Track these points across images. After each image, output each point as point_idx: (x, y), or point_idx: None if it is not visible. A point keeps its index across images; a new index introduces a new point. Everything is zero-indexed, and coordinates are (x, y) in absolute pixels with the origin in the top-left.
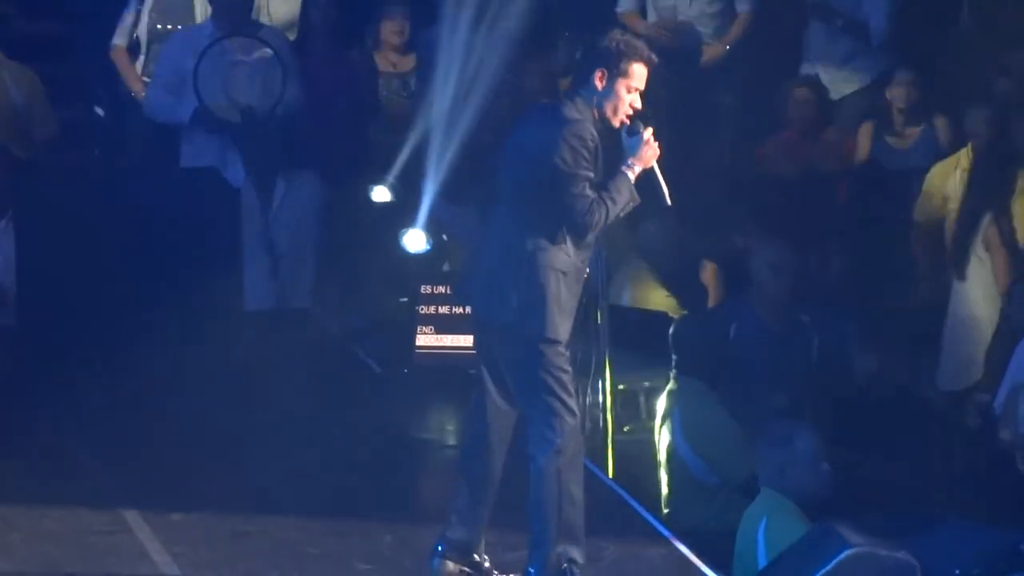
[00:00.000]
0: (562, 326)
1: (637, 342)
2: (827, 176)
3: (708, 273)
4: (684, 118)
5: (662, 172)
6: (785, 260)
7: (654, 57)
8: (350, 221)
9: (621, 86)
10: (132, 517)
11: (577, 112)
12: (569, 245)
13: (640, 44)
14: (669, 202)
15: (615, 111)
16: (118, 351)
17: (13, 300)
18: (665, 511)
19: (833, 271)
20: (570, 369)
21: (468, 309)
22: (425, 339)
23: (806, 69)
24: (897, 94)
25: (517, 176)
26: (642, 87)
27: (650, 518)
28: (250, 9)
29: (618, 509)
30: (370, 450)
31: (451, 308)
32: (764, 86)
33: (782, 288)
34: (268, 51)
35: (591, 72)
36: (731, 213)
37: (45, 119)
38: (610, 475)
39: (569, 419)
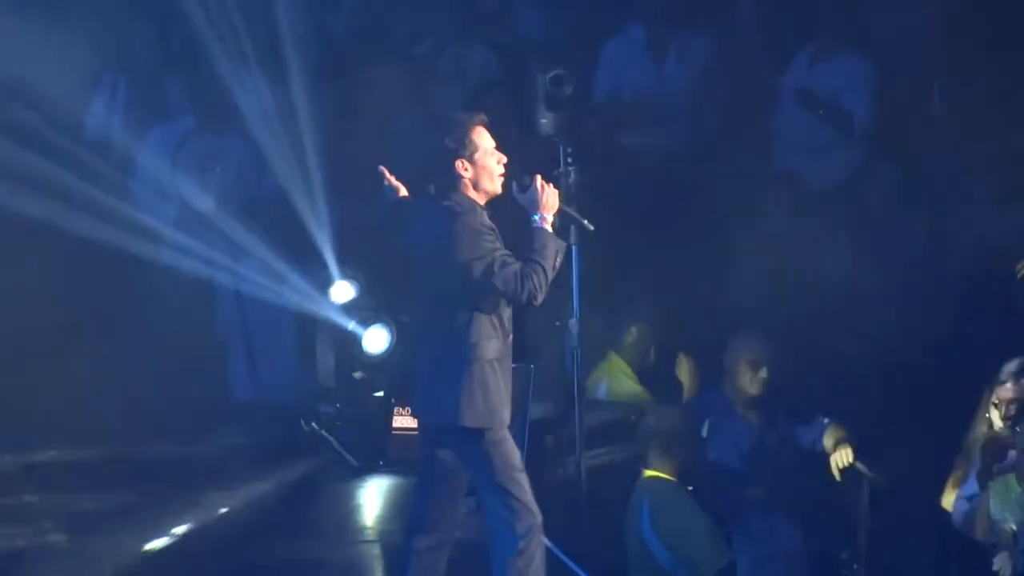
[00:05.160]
0: (501, 412)
1: (612, 435)
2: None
3: (683, 367)
4: (657, 211)
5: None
6: (762, 355)
7: (482, 115)
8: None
9: (481, 159)
10: None
11: (460, 206)
12: (497, 331)
13: (460, 115)
14: (592, 227)
15: (492, 180)
16: (97, 442)
17: None
18: None
19: (810, 364)
20: (522, 466)
21: None
22: (401, 420)
23: (783, 159)
24: (875, 188)
25: (427, 280)
26: (494, 143)
27: None
28: (228, 104)
29: None
30: (347, 547)
31: None
32: (738, 176)
33: (759, 383)
34: (242, 144)
35: (451, 168)
36: (709, 308)
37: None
38: (582, 565)
39: (529, 519)
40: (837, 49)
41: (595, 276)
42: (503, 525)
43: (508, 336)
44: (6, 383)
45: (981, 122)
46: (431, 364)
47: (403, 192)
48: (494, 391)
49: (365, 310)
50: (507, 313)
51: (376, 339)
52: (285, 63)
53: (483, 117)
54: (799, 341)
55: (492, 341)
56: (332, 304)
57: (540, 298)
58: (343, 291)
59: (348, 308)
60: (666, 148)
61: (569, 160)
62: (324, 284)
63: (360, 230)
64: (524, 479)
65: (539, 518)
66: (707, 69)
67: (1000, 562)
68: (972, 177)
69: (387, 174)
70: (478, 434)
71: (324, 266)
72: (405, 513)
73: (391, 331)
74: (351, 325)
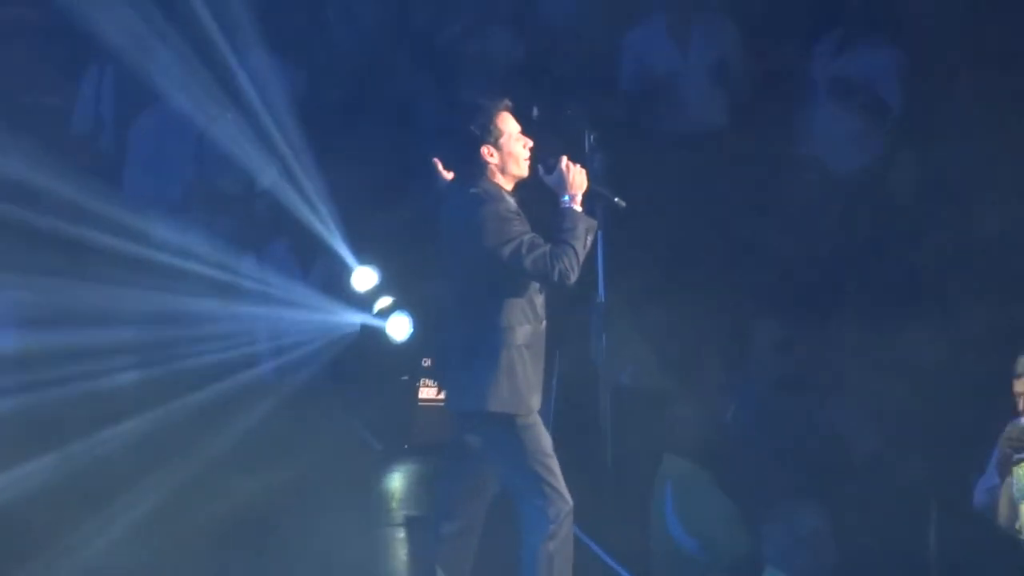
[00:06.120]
0: (531, 398)
1: (637, 421)
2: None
3: None
4: (681, 196)
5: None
6: (787, 340)
7: (506, 100)
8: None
9: (507, 144)
10: None
11: (486, 193)
12: (529, 317)
13: (485, 100)
14: (624, 204)
15: (518, 165)
16: (123, 427)
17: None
18: None
19: (835, 352)
20: (553, 453)
21: None
22: (427, 392)
23: (808, 145)
24: (900, 175)
25: (457, 267)
26: (519, 128)
27: None
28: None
29: None
30: (372, 530)
31: None
32: (763, 163)
33: (784, 368)
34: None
35: (476, 155)
36: (732, 293)
37: None
38: (607, 550)
39: (561, 504)
40: (866, 37)
41: (620, 260)
42: (534, 510)
43: (542, 322)
44: None
45: (1007, 109)
46: (462, 350)
47: None
48: (521, 377)
49: (384, 299)
50: (540, 299)
51: (399, 326)
52: (301, 48)
53: (507, 102)
54: (824, 326)
55: (524, 327)
56: (353, 293)
57: (573, 278)
58: (365, 277)
59: (369, 297)
60: (690, 133)
61: (594, 145)
62: (342, 273)
63: (376, 219)
64: (555, 464)
65: (570, 503)
66: (730, 54)
67: None
68: (998, 164)
69: (439, 166)
70: (506, 420)
71: (340, 255)
72: (434, 498)
73: (412, 317)
74: (372, 318)
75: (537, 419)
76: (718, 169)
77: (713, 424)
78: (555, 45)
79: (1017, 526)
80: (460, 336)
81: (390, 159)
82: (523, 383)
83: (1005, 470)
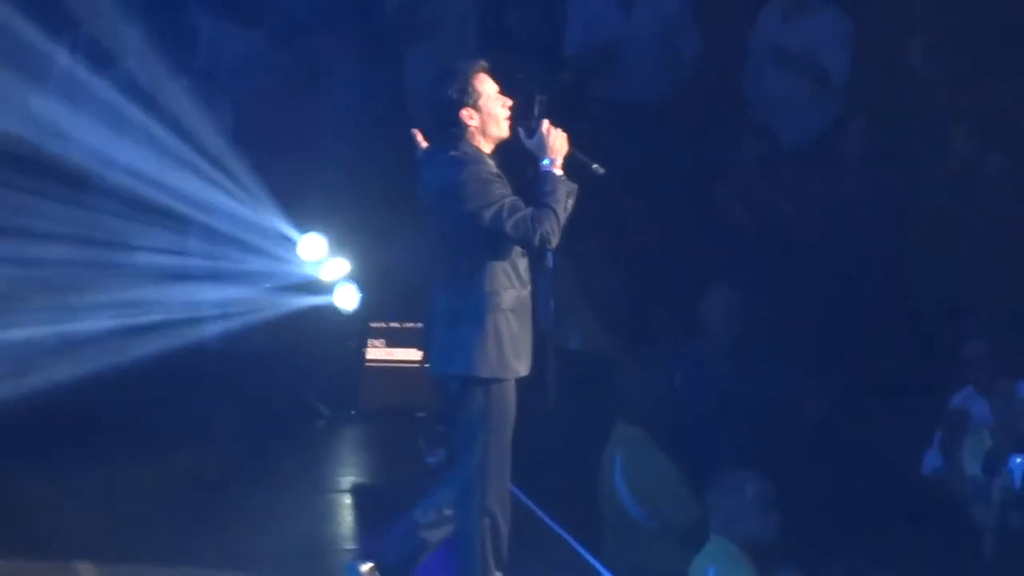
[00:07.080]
0: (517, 363)
1: (584, 387)
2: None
3: None
4: (630, 164)
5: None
6: (737, 307)
7: (482, 62)
8: None
9: (486, 105)
10: (83, 566)
11: (466, 156)
12: (513, 280)
13: (460, 64)
14: (602, 170)
15: (498, 125)
16: (69, 393)
17: None
18: (607, 554)
19: (784, 318)
20: (512, 419)
21: (419, 324)
22: (376, 352)
23: (757, 111)
24: (850, 142)
25: (439, 231)
26: (497, 88)
27: (594, 561)
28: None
29: (562, 553)
30: (317, 496)
31: (401, 323)
32: (713, 131)
33: (733, 335)
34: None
35: (456, 118)
36: (682, 260)
37: None
38: (552, 516)
39: (504, 482)
40: (811, 2)
41: (570, 226)
42: (474, 486)
43: (526, 287)
44: None
45: (958, 74)
46: (447, 314)
47: None
48: (508, 341)
49: (335, 264)
50: (523, 264)
51: (347, 296)
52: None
53: (483, 63)
54: (775, 293)
55: (509, 291)
56: (300, 263)
57: (554, 242)
58: (313, 245)
59: (317, 268)
60: (638, 99)
61: (543, 110)
62: (285, 242)
63: (320, 188)
64: (507, 451)
65: (506, 493)
66: (676, 18)
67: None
68: (949, 129)
69: (419, 137)
70: (484, 384)
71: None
72: (438, 466)
73: (360, 285)
74: (321, 290)
75: (512, 390)
76: (667, 135)
77: (661, 390)
78: (504, 8)
79: (966, 495)
80: (445, 301)
81: (334, 126)
82: (509, 347)
83: (949, 451)
